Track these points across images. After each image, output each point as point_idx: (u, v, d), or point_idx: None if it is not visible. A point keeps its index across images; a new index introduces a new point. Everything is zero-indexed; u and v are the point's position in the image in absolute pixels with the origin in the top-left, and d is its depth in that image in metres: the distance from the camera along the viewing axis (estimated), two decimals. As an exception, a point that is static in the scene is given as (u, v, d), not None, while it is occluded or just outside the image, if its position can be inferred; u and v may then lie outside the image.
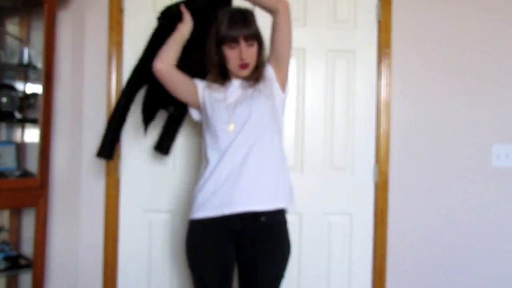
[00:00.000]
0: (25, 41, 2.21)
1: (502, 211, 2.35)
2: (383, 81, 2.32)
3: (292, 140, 2.30)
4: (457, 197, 2.34)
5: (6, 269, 2.08)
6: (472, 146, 2.35)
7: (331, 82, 2.32)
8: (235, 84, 1.72)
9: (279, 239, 1.68)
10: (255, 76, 1.69)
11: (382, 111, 2.32)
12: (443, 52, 2.35)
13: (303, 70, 2.31)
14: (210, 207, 1.64)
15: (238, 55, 1.62)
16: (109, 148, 1.94)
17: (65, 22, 2.25)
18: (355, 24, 2.33)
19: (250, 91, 1.68)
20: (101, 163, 2.25)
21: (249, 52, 1.63)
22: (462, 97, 2.36)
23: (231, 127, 1.63)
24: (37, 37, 2.16)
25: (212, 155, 1.67)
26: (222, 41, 1.63)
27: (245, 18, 1.63)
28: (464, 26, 2.36)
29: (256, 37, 1.65)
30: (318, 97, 2.32)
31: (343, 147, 2.32)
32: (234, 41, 1.61)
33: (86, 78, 2.28)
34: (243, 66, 1.63)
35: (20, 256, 2.18)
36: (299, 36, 2.31)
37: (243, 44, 1.62)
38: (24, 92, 2.24)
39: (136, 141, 2.27)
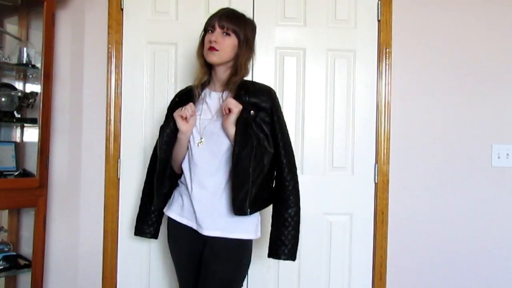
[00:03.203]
0: (24, 40, 2.21)
1: (503, 210, 2.35)
2: (383, 80, 2.32)
3: (292, 140, 2.27)
4: (457, 197, 2.34)
5: (5, 269, 2.08)
6: (472, 146, 2.35)
7: (331, 82, 2.32)
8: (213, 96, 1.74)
9: (239, 245, 1.67)
10: (233, 82, 1.69)
11: (382, 111, 2.32)
12: (443, 52, 2.35)
13: (303, 70, 2.30)
14: (181, 215, 1.74)
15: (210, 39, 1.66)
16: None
17: (65, 21, 2.25)
18: (355, 23, 2.32)
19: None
20: (101, 163, 2.24)
21: (222, 40, 1.65)
22: (462, 97, 2.35)
23: (201, 141, 1.69)
24: (36, 36, 2.15)
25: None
26: (205, 30, 1.70)
27: (232, 14, 1.70)
28: (464, 26, 2.36)
29: (235, 32, 1.67)
30: (318, 97, 2.31)
31: (343, 147, 2.32)
32: (211, 26, 1.67)
33: (86, 77, 2.27)
34: (210, 48, 1.65)
35: (19, 256, 2.17)
36: (299, 35, 2.31)
37: (218, 30, 1.66)
38: (23, 92, 2.23)
39: (136, 141, 2.26)
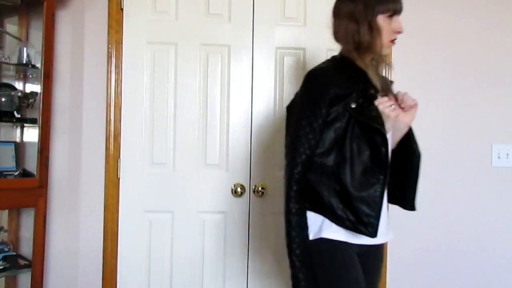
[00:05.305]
0: (24, 40, 2.20)
1: (503, 210, 2.35)
2: (383, 80, 2.31)
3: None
4: (457, 197, 2.34)
5: (5, 269, 2.07)
6: (473, 146, 2.35)
7: (331, 81, 2.32)
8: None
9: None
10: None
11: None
12: (443, 52, 2.35)
13: (303, 70, 2.30)
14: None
15: (392, 28, 1.40)
16: None
17: (65, 21, 2.25)
18: (355, 23, 2.32)
19: None
20: (101, 163, 2.24)
21: None
22: (462, 97, 2.35)
23: None
24: (36, 36, 2.15)
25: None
26: (384, 12, 1.38)
27: None
28: (464, 26, 2.36)
29: None
30: (318, 97, 2.31)
31: (343, 147, 2.31)
32: (397, 13, 1.39)
33: (86, 77, 2.27)
34: (394, 41, 1.43)
35: (19, 256, 2.17)
36: (299, 35, 2.31)
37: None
38: (23, 92, 2.23)
39: (136, 141, 2.26)
